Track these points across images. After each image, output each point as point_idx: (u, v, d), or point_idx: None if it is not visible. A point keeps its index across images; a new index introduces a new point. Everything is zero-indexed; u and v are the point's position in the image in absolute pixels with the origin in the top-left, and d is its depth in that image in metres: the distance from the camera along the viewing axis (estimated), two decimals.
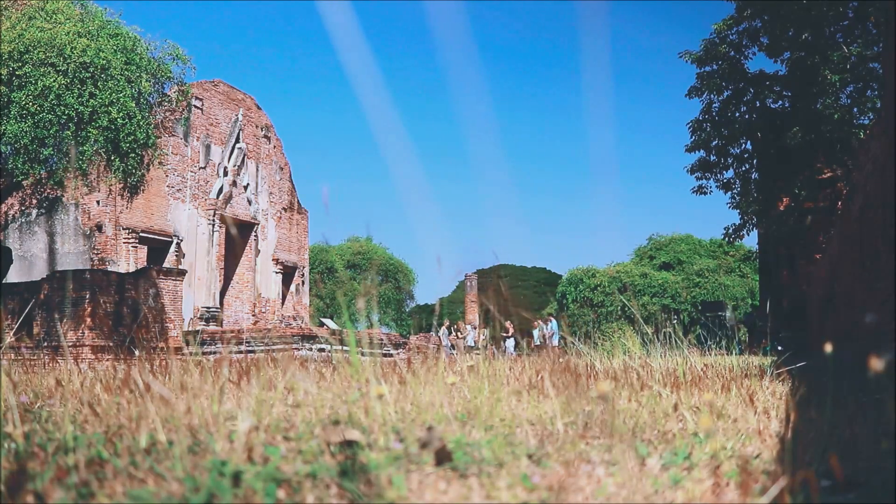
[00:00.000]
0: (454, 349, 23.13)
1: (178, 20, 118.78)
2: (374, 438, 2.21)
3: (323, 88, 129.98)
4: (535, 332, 23.87)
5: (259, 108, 27.40)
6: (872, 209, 5.86)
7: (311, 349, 18.64)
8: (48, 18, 14.41)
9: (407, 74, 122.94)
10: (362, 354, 3.38)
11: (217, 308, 24.10)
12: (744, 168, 20.09)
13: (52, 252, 21.45)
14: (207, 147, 24.59)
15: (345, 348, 12.34)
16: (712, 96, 19.45)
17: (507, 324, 22.79)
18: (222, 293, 25.42)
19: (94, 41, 14.16)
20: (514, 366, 5.55)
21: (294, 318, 28.00)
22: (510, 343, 23.36)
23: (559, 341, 21.47)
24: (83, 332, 16.82)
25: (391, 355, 8.05)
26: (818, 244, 18.11)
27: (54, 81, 13.52)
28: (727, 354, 7.32)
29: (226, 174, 25.30)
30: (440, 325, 26.29)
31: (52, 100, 13.54)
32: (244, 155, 26.16)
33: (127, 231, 21.59)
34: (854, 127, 16.69)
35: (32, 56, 13.61)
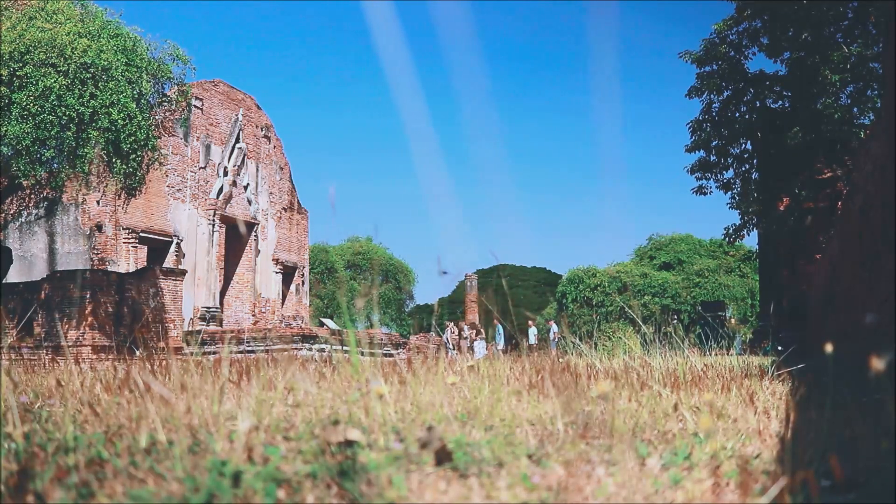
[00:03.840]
0: (455, 349, 23.38)
1: (178, 20, 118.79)
2: (374, 438, 2.21)
3: (323, 88, 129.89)
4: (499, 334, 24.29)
5: (259, 108, 27.39)
6: (872, 209, 5.86)
7: (311, 349, 18.63)
8: (48, 19, 14.40)
9: (412, 73, 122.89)
10: (362, 354, 3.38)
11: (217, 308, 24.09)
12: (744, 168, 20.07)
13: (52, 252, 21.45)
14: (207, 147, 24.58)
15: (345, 348, 12.33)
16: (712, 96, 19.44)
17: (477, 326, 23.97)
18: (222, 293, 25.41)
19: (94, 42, 14.15)
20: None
21: (294, 318, 27.99)
22: (480, 345, 23.88)
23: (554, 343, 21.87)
24: (83, 332, 16.81)
25: (391, 355, 8.07)
26: (818, 244, 18.08)
27: (55, 82, 13.51)
28: (727, 354, 7.32)
29: (226, 174, 25.29)
30: (444, 328, 26.41)
31: (52, 100, 13.53)
32: (244, 155, 26.15)
33: (127, 231, 21.59)
34: (854, 127, 16.68)
35: (33, 57, 13.61)
